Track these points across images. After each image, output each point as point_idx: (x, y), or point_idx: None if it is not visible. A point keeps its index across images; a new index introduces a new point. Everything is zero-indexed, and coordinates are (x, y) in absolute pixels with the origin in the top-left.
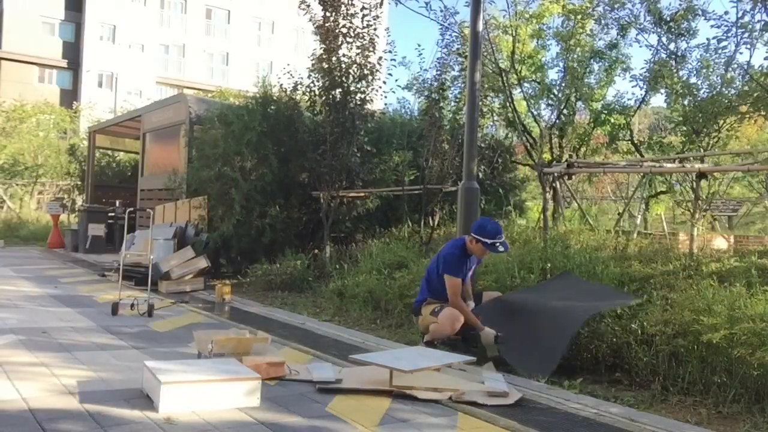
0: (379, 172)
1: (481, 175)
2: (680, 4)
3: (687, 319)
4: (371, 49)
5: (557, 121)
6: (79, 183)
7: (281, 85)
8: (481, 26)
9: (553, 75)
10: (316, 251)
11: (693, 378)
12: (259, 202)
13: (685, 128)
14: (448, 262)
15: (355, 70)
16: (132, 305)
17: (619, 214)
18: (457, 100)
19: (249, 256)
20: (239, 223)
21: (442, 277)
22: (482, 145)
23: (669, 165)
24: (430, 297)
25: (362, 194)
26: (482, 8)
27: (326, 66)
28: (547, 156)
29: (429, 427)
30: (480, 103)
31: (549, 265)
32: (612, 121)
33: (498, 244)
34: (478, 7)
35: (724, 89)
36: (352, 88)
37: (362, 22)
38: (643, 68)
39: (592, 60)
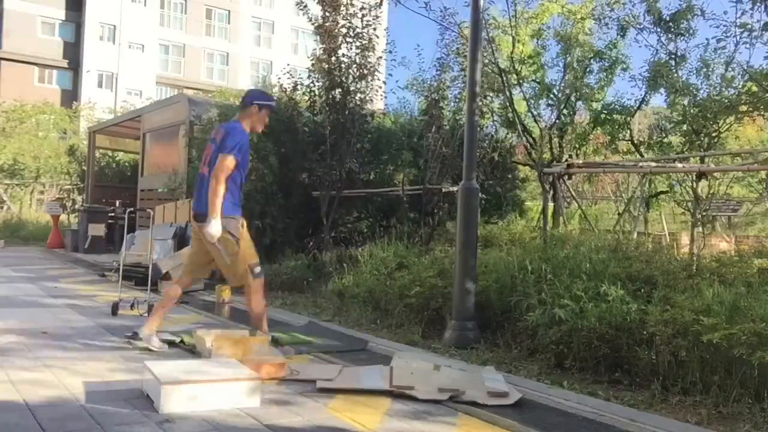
0: (379, 172)
1: (480, 174)
2: (680, 4)
3: (687, 319)
4: (371, 49)
5: (557, 121)
6: (79, 183)
7: (281, 85)
8: (480, 28)
9: (553, 75)
10: (316, 251)
11: (693, 378)
12: (260, 202)
13: (685, 128)
14: (236, 138)
15: (355, 70)
16: (132, 305)
17: (619, 214)
18: (457, 100)
19: None
20: None
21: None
22: (483, 144)
23: (669, 165)
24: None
25: (362, 194)
26: (481, 9)
27: (326, 66)
28: (547, 156)
29: (429, 427)
30: (480, 103)
31: (549, 265)
32: (614, 118)
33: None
34: (478, 8)
35: (724, 89)
36: (351, 88)
37: (362, 22)
38: (643, 68)
39: (592, 60)
